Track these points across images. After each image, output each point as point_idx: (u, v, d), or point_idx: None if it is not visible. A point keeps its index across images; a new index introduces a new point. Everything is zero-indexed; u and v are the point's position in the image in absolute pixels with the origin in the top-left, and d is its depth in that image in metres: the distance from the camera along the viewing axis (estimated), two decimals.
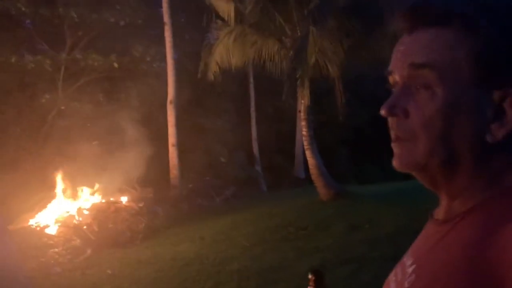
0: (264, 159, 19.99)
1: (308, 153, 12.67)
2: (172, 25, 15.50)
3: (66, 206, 12.66)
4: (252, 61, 13.02)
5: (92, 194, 13.21)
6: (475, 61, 0.81)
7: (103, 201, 12.96)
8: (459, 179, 0.84)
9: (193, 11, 18.84)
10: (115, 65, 16.05)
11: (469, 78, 0.81)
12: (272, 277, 8.14)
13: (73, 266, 10.08)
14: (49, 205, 12.59)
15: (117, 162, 13.12)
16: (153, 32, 18.28)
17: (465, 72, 0.81)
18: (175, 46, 15.72)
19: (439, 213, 0.91)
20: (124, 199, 13.10)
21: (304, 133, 12.70)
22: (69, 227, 11.66)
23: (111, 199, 13.02)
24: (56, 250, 10.72)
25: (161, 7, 15.98)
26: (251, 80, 19.97)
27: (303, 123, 12.65)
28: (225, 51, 12.67)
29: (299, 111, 13.40)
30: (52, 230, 11.58)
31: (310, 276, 4.54)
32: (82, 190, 13.24)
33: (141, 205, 12.86)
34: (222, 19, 13.12)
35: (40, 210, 12.34)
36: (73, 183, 13.33)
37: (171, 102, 15.19)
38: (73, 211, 12.29)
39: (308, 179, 15.06)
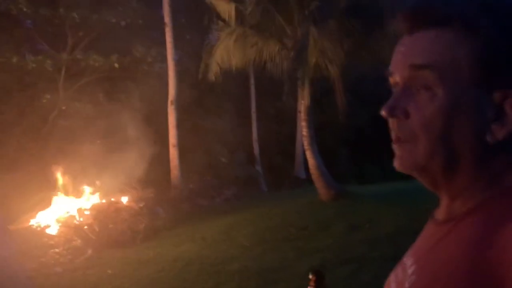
0: (265, 159, 19.99)
1: (308, 153, 12.68)
2: (173, 26, 15.51)
3: (67, 206, 12.67)
4: (253, 61, 13.01)
5: (93, 193, 13.21)
6: (475, 62, 0.81)
7: (104, 201, 12.96)
8: (460, 179, 0.84)
9: (194, 12, 18.86)
10: (116, 65, 16.05)
11: (470, 78, 0.81)
12: (272, 277, 8.15)
13: (73, 266, 10.09)
14: (50, 205, 12.59)
15: (118, 162, 13.11)
16: (154, 33, 18.28)
17: (466, 72, 0.81)
18: (176, 47, 15.73)
19: (440, 213, 0.91)
20: (124, 199, 13.10)
21: (304, 133, 12.71)
22: (69, 227, 11.67)
23: (112, 199, 13.02)
24: (57, 250, 10.73)
25: (162, 8, 15.99)
26: (252, 80, 19.97)
27: (304, 123, 12.66)
28: (226, 52, 12.68)
29: (300, 112, 13.41)
30: (53, 230, 11.59)
31: (310, 276, 4.55)
32: (83, 190, 13.24)
33: (141, 205, 12.86)
34: (223, 20, 13.13)
35: (40, 210, 12.34)
36: (74, 183, 13.33)
37: (172, 103, 15.21)
38: (74, 211, 12.30)
39: (309, 179, 15.07)
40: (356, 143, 22.38)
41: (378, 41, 11.40)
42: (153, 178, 14.32)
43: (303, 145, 14.11)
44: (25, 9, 15.37)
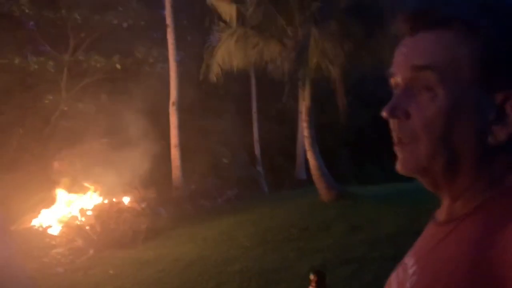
0: (266, 160, 19.99)
1: (309, 154, 12.69)
2: (175, 27, 15.53)
3: (69, 206, 12.68)
4: (254, 62, 13.03)
5: (95, 193, 13.22)
6: (476, 62, 0.81)
7: (106, 201, 12.97)
8: (461, 180, 0.84)
9: (195, 13, 18.89)
10: (118, 66, 16.08)
11: (470, 79, 0.81)
12: (273, 278, 8.16)
13: (75, 267, 10.10)
14: (51, 206, 12.61)
15: (120, 162, 13.12)
16: (156, 34, 18.33)
17: (466, 73, 0.81)
18: (178, 48, 15.74)
19: (441, 214, 0.91)
20: (126, 200, 13.12)
21: (305, 134, 12.71)
22: (71, 227, 11.68)
23: (114, 199, 13.03)
24: (59, 250, 10.75)
25: (163, 9, 16.01)
26: (253, 81, 19.98)
27: (305, 124, 12.67)
28: (227, 53, 12.69)
29: (301, 112, 13.42)
30: (55, 230, 11.61)
31: (311, 277, 4.57)
32: (85, 190, 13.25)
33: (143, 205, 12.87)
34: (224, 21, 13.14)
35: (42, 210, 12.35)
36: (76, 184, 13.34)
37: (173, 104, 15.23)
38: (76, 212, 12.31)
39: (309, 180, 15.06)
40: (357, 143, 22.38)
41: (378, 42, 11.40)
42: (155, 179, 14.33)
43: (304, 146, 14.11)
44: (27, 11, 15.41)
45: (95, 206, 12.61)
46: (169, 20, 15.49)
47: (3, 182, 12.31)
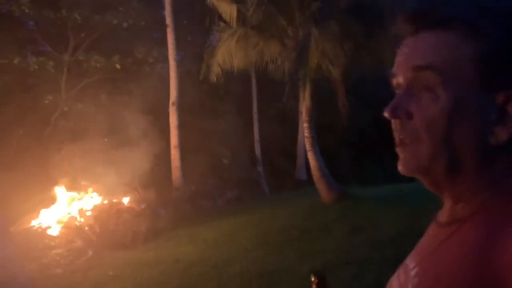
0: (266, 161, 19.98)
1: (310, 155, 12.65)
2: (175, 27, 15.51)
3: (68, 207, 12.65)
4: (254, 62, 13.01)
5: (94, 194, 13.20)
6: (477, 63, 0.81)
7: (105, 202, 12.95)
8: (462, 181, 0.84)
9: (195, 13, 18.86)
10: (118, 66, 16.09)
11: (472, 80, 0.81)
12: (274, 279, 8.12)
13: (74, 268, 10.07)
14: (51, 206, 12.58)
15: (120, 163, 13.12)
16: (156, 34, 18.32)
17: (468, 74, 0.81)
18: (178, 48, 15.73)
19: (443, 215, 0.91)
20: (126, 201, 13.10)
21: (306, 134, 12.69)
22: (70, 228, 11.65)
23: (114, 200, 13.01)
24: (58, 251, 10.71)
25: (163, 9, 15.99)
26: (254, 81, 19.96)
27: (305, 124, 12.64)
28: (228, 53, 12.68)
29: (301, 113, 13.40)
30: (54, 231, 11.57)
31: (312, 279, 4.52)
32: (84, 191, 13.23)
33: (143, 206, 12.85)
34: (225, 21, 13.12)
35: (42, 211, 12.33)
36: (75, 184, 13.32)
37: (173, 104, 15.20)
38: (75, 212, 12.29)
39: (310, 181, 15.05)
40: (358, 144, 22.38)
41: (379, 42, 11.40)
42: (155, 179, 14.32)
43: (304, 147, 14.08)
44: (27, 11, 15.39)
45: (94, 206, 12.59)
46: (169, 20, 15.47)
47: (2, 182, 12.30)
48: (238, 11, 12.62)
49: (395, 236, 8.93)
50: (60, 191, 13.09)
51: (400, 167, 0.88)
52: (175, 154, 15.14)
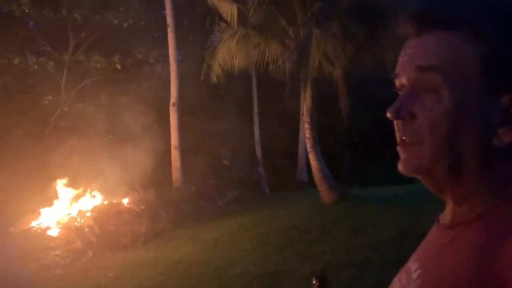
0: (267, 162, 19.96)
1: (311, 156, 12.63)
2: (175, 27, 15.48)
3: (68, 208, 12.64)
4: (255, 63, 13.00)
5: (94, 194, 13.19)
6: (481, 65, 0.81)
7: (105, 203, 12.94)
8: (465, 183, 0.84)
9: (196, 14, 18.86)
10: (118, 66, 16.09)
11: (475, 81, 0.81)
12: (274, 281, 8.10)
13: (74, 269, 10.05)
14: (51, 207, 12.57)
15: (120, 163, 13.11)
16: (156, 34, 18.31)
17: (471, 75, 0.81)
18: (178, 48, 15.71)
19: (445, 217, 0.91)
20: (126, 201, 13.09)
21: (307, 135, 12.66)
22: (70, 229, 11.63)
23: (113, 201, 13.00)
24: (58, 252, 10.69)
25: (164, 9, 15.97)
26: (254, 82, 19.94)
27: (306, 125, 12.62)
28: (228, 54, 12.67)
29: (302, 114, 13.38)
30: (54, 232, 11.56)
31: (314, 282, 4.49)
32: (83, 192, 13.22)
33: (143, 207, 12.83)
34: (225, 22, 13.12)
35: (41, 212, 12.32)
36: (75, 185, 13.31)
37: (173, 104, 15.18)
38: (75, 213, 12.27)
39: (311, 182, 15.03)
40: (359, 145, 22.37)
41: (380, 43, 11.40)
42: (155, 180, 14.31)
43: (306, 148, 14.07)
44: (28, 11, 15.40)
45: (94, 207, 12.58)
46: (169, 20, 15.44)
47: (2, 182, 12.30)
48: (239, 11, 12.61)
49: (396, 236, 8.93)
50: (60, 191, 13.08)
51: (400, 167, 0.88)
52: (175, 154, 15.13)
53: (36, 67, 15.38)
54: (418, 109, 0.84)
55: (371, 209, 11.35)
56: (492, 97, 0.81)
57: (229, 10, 12.82)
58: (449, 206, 0.90)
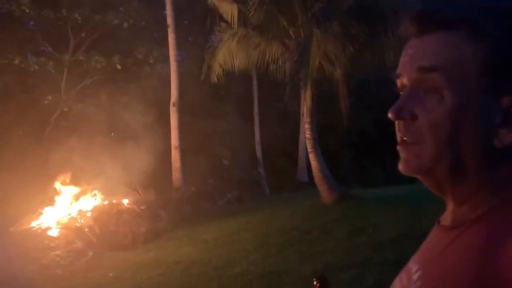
0: (267, 162, 19.95)
1: (311, 156, 12.62)
2: (176, 27, 15.48)
3: (68, 208, 12.64)
4: (255, 63, 13.00)
5: (94, 194, 13.19)
6: (482, 66, 0.81)
7: (106, 203, 12.93)
8: (466, 184, 0.84)
9: (196, 14, 18.86)
10: (118, 66, 16.08)
11: (477, 82, 0.81)
12: (274, 281, 8.09)
13: (74, 269, 10.05)
14: (51, 207, 12.57)
15: (120, 164, 13.10)
16: (157, 34, 18.31)
17: (473, 76, 0.81)
18: (178, 48, 15.70)
19: (446, 218, 0.90)
20: (126, 202, 13.08)
21: (307, 136, 12.65)
22: (70, 229, 11.64)
23: (113, 201, 12.99)
24: (58, 252, 10.69)
25: (164, 9, 15.97)
26: (255, 82, 19.94)
27: (307, 126, 12.61)
28: (229, 54, 12.67)
29: (303, 114, 13.37)
30: (54, 232, 11.56)
31: (314, 283, 4.48)
32: (83, 192, 13.22)
33: (143, 207, 12.83)
34: (226, 22, 13.11)
35: (42, 212, 12.32)
36: (75, 185, 13.31)
37: (174, 105, 15.17)
38: (75, 213, 12.27)
39: (311, 182, 15.02)
40: (359, 145, 22.36)
41: (380, 43, 11.40)
42: (155, 180, 14.30)
43: (306, 148, 14.06)
44: (28, 11, 15.39)
45: (94, 207, 12.58)
46: (170, 20, 15.44)
47: (2, 182, 12.28)
48: (239, 11, 12.60)
49: (396, 237, 8.93)
50: (60, 191, 13.08)
51: (400, 167, 0.88)
52: (175, 154, 15.12)
53: (36, 67, 15.38)
54: (419, 110, 0.84)
55: (371, 209, 11.34)
56: (492, 97, 0.81)
57: (229, 10, 12.82)
58: (450, 207, 0.90)
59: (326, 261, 8.54)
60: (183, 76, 15.72)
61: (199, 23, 18.38)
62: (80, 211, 12.31)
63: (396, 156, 0.89)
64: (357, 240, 9.47)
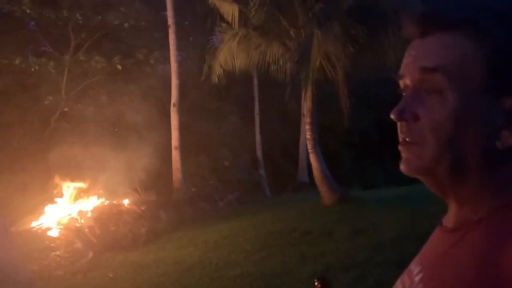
0: (268, 163, 19.95)
1: (312, 157, 12.61)
2: (176, 28, 15.48)
3: (68, 208, 12.64)
4: (256, 64, 12.99)
5: (94, 195, 13.19)
6: (485, 67, 0.81)
7: (106, 203, 12.93)
8: (468, 185, 0.84)
9: (197, 14, 18.86)
10: (119, 67, 16.08)
11: (479, 83, 0.81)
12: (275, 282, 8.07)
13: (75, 269, 10.04)
14: (51, 207, 12.57)
15: (120, 164, 13.10)
16: (157, 35, 18.31)
17: (475, 77, 0.81)
18: (179, 48, 15.70)
19: (448, 220, 0.90)
20: (126, 202, 13.08)
21: (308, 136, 12.64)
22: (71, 229, 11.63)
23: (114, 202, 12.99)
24: (58, 252, 10.69)
25: (165, 10, 15.97)
26: (255, 82, 19.94)
27: (307, 126, 12.60)
28: (229, 54, 12.66)
29: (303, 115, 13.36)
30: (54, 232, 11.56)
31: (316, 284, 4.47)
32: (83, 193, 13.21)
33: (143, 208, 12.83)
34: (227, 22, 13.11)
35: (42, 212, 12.32)
36: (75, 185, 13.31)
37: (174, 105, 15.17)
38: (75, 214, 12.27)
39: (312, 183, 15.00)
40: (360, 146, 22.35)
41: (381, 44, 11.39)
42: (155, 181, 14.30)
43: (306, 149, 14.06)
44: (28, 11, 15.40)
45: (94, 208, 12.58)
46: (170, 21, 15.43)
47: (2, 183, 12.29)
48: (240, 12, 12.61)
49: (397, 238, 8.90)
50: (60, 191, 13.08)
51: (402, 167, 0.88)
52: (175, 155, 15.10)
53: (36, 67, 15.39)
54: (421, 111, 0.84)
55: (372, 210, 11.33)
56: (495, 99, 0.80)
57: (230, 11, 12.82)
58: (451, 208, 0.90)
59: (327, 262, 8.53)
60: (183, 77, 15.72)
61: (200, 24, 18.38)
62: (80, 212, 12.31)
63: (396, 157, 0.89)
64: (357, 241, 9.46)
